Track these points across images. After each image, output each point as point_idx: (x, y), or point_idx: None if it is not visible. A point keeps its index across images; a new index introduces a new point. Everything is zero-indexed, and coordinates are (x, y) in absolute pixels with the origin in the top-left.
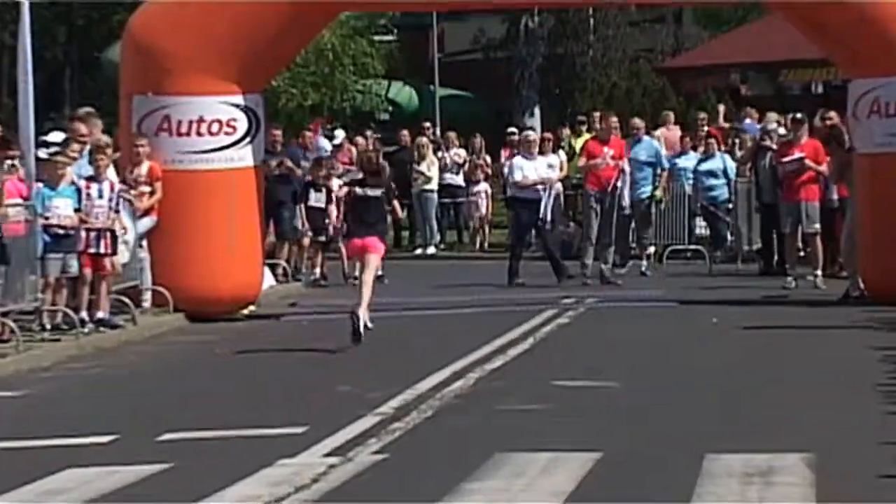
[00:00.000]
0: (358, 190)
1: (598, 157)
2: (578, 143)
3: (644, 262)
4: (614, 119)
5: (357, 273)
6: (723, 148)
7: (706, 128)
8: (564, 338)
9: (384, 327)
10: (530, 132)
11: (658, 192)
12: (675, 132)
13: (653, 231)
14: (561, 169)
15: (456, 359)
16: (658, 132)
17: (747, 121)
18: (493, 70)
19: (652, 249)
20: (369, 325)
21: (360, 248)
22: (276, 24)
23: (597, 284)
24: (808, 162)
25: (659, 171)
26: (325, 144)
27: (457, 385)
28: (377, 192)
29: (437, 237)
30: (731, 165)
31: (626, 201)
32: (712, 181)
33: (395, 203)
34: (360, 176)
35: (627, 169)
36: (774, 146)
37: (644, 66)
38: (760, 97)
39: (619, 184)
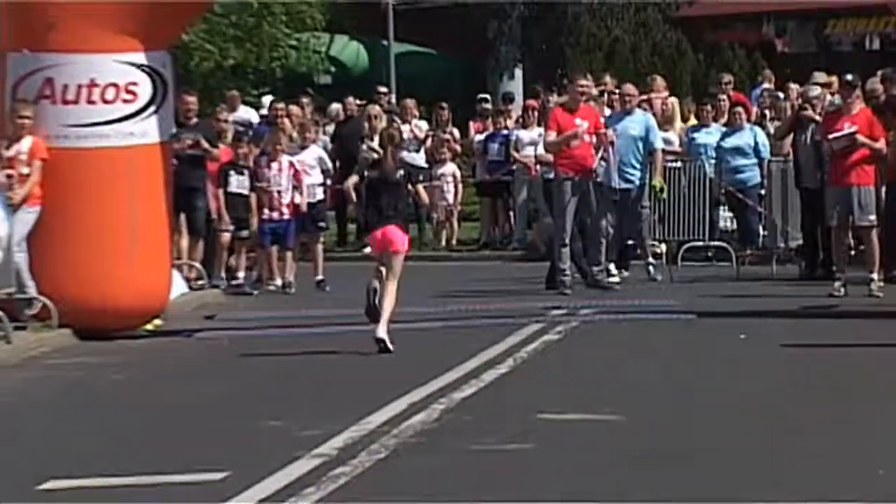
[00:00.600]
0: (373, 173)
1: (568, 130)
2: None
3: (651, 263)
4: (583, 81)
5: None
6: (752, 119)
7: (731, 93)
8: (554, 359)
9: (326, 346)
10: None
11: (656, 181)
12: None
13: (648, 227)
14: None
15: (417, 386)
16: (672, 100)
17: (765, 84)
18: (462, 21)
19: (663, 248)
20: (390, 346)
21: (381, 241)
22: None
23: (593, 293)
24: (860, 137)
25: (652, 151)
26: (249, 114)
27: (417, 419)
28: (397, 176)
29: None
30: (764, 141)
31: (615, 181)
32: (740, 161)
33: (420, 187)
34: (375, 156)
35: (615, 139)
36: (818, 117)
37: (654, 16)
38: (801, 54)
39: (603, 163)
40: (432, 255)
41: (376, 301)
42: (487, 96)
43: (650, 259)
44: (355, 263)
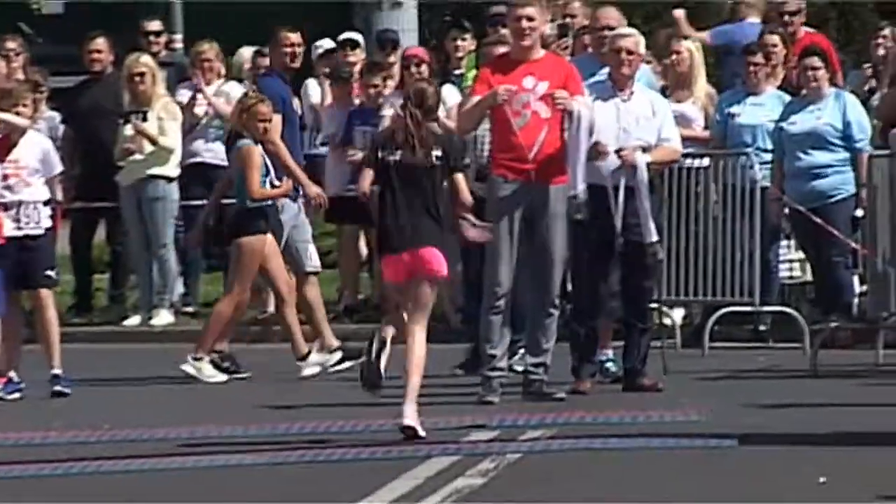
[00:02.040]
0: (393, 156)
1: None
2: None
3: (609, 358)
4: (527, 10)
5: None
6: (841, 80)
7: (800, 31)
8: None
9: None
10: (626, 33)
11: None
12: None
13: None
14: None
15: None
16: (687, 45)
17: (749, 20)
18: None
19: (676, 316)
20: (421, 432)
21: (404, 271)
22: None
23: (546, 405)
24: None
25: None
26: None
27: None
28: (432, 158)
29: (180, 288)
30: (862, 121)
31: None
32: (818, 156)
33: (460, 178)
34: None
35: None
36: None
37: None
38: None
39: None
40: (257, 329)
41: (381, 360)
42: (357, 38)
43: (607, 352)
44: (107, 346)
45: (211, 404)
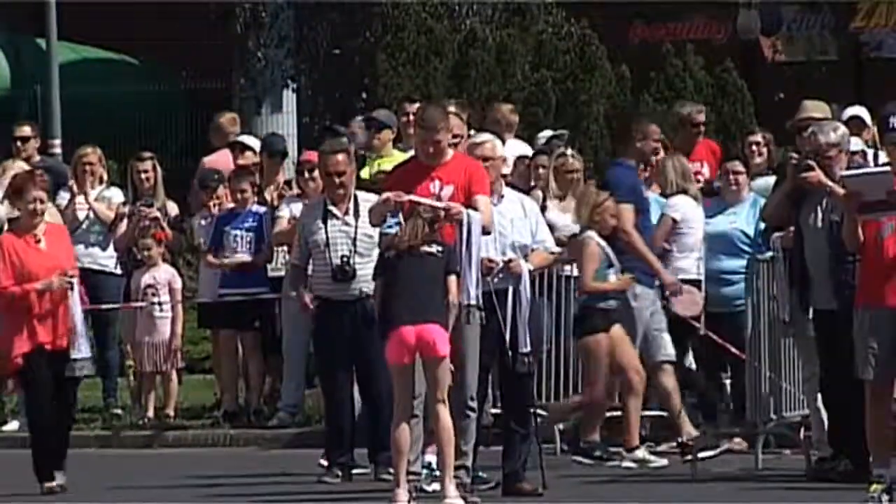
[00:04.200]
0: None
1: (404, 199)
2: (374, 171)
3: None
4: (435, 136)
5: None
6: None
7: (700, 137)
8: None
9: None
10: (482, 140)
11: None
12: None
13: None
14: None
15: None
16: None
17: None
18: (186, 6)
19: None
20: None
21: (408, 351)
22: None
23: None
24: None
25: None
26: None
27: None
28: (434, 249)
29: None
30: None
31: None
32: (726, 262)
33: (452, 280)
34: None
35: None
36: (837, 187)
37: None
38: (808, 65)
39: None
40: (132, 434)
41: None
42: (251, 142)
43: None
44: None
45: None
